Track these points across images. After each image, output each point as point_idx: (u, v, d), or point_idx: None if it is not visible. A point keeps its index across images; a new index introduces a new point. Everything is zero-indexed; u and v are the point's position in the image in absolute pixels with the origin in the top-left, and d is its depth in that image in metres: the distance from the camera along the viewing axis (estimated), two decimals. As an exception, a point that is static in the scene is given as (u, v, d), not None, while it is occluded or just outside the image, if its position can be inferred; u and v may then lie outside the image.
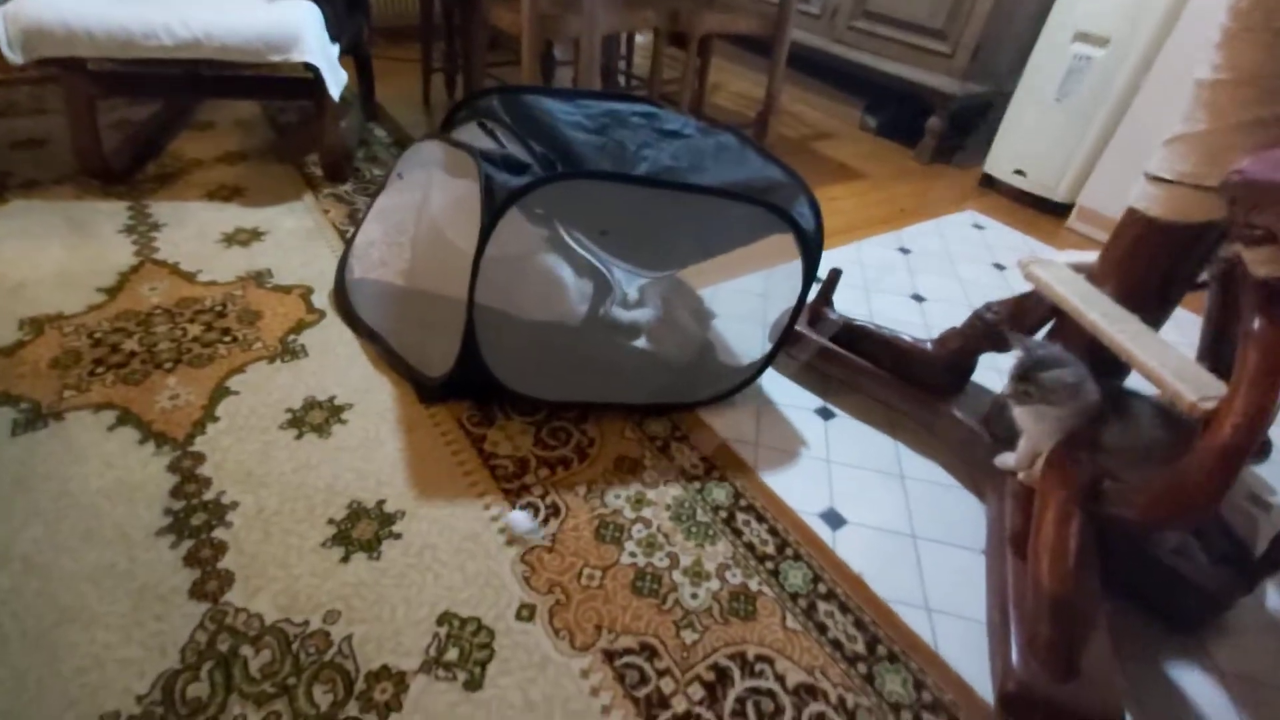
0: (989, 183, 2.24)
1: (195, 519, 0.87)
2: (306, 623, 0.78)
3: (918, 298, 1.59)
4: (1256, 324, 0.65)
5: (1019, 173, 2.12)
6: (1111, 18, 1.79)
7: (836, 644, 0.83)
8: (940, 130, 2.31)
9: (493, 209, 0.91)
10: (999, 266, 1.78)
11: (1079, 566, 0.77)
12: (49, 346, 1.10)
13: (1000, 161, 2.17)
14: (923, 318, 1.51)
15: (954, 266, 1.74)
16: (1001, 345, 1.02)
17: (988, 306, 1.03)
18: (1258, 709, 0.82)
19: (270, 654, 0.75)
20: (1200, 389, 0.69)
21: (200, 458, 0.95)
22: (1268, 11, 0.66)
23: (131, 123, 1.82)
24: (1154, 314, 0.83)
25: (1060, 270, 0.89)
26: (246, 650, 0.75)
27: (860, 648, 0.83)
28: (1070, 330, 0.86)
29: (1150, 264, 0.82)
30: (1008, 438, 0.98)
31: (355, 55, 2.03)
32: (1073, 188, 2.02)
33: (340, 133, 1.68)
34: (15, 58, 1.34)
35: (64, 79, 1.43)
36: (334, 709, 0.71)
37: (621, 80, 2.55)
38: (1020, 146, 2.10)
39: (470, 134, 1.20)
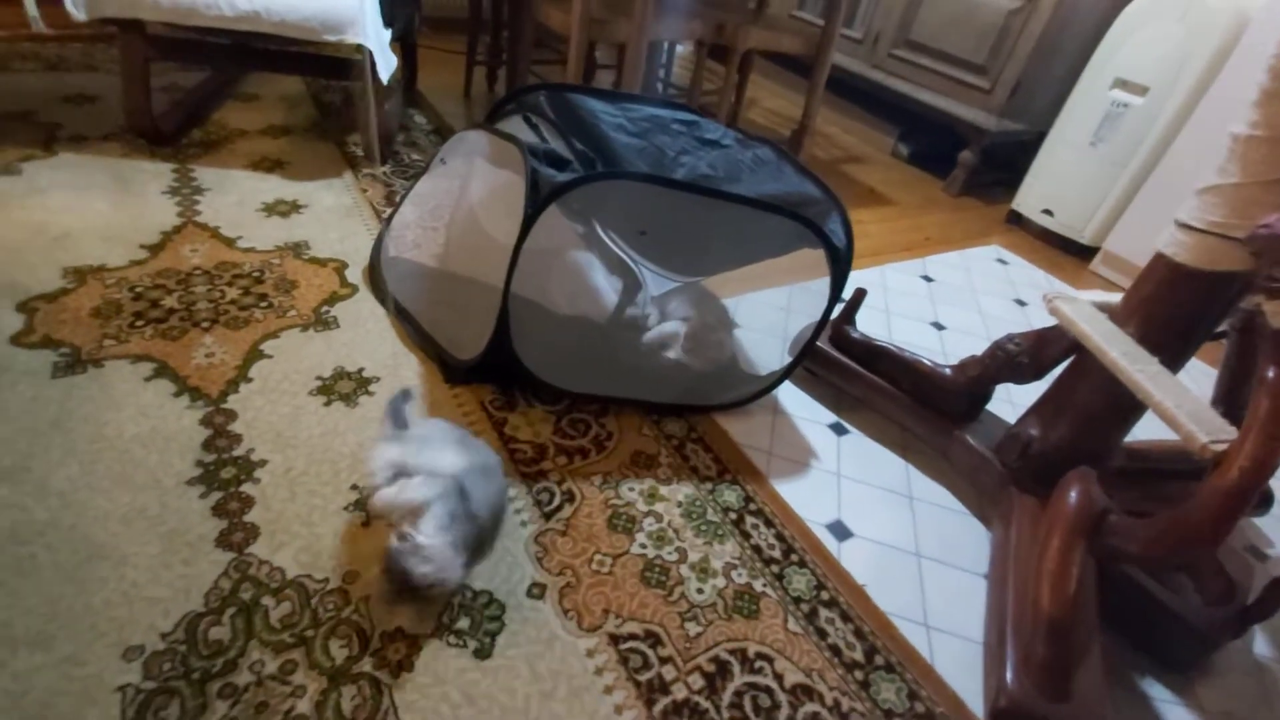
0: (1016, 219, 2.26)
1: (225, 473, 0.90)
2: (326, 580, 0.80)
3: (938, 325, 1.61)
4: (1271, 373, 0.67)
5: (1047, 212, 2.14)
6: (1152, 67, 1.82)
7: (835, 649, 0.85)
8: (972, 164, 2.34)
9: (536, 202, 0.94)
10: (1020, 302, 1.80)
11: (1079, 594, 0.78)
12: (90, 296, 1.14)
13: (1029, 199, 2.19)
14: (941, 345, 1.53)
15: (975, 298, 1.76)
16: (1019, 377, 1.04)
17: (1010, 338, 1.05)
18: (1244, 753, 0.83)
19: (290, 606, 0.77)
20: (1212, 431, 0.71)
21: (232, 415, 0.98)
22: (1308, 74, 0.68)
23: (181, 88, 1.87)
24: (1173, 357, 0.84)
25: (1084, 308, 0.91)
26: (268, 600, 0.77)
27: (859, 655, 0.85)
28: (1090, 367, 0.88)
29: (1174, 308, 0.84)
30: (1019, 467, 1.00)
31: (402, 43, 2.08)
32: (1100, 232, 2.03)
33: (384, 115, 1.72)
34: (79, 14, 1.39)
35: (121, 38, 1.48)
36: (349, 663, 0.73)
37: (660, 89, 2.59)
38: (1050, 186, 2.12)
39: (514, 127, 1.24)
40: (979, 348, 1.10)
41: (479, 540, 0.83)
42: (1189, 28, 1.73)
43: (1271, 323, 0.68)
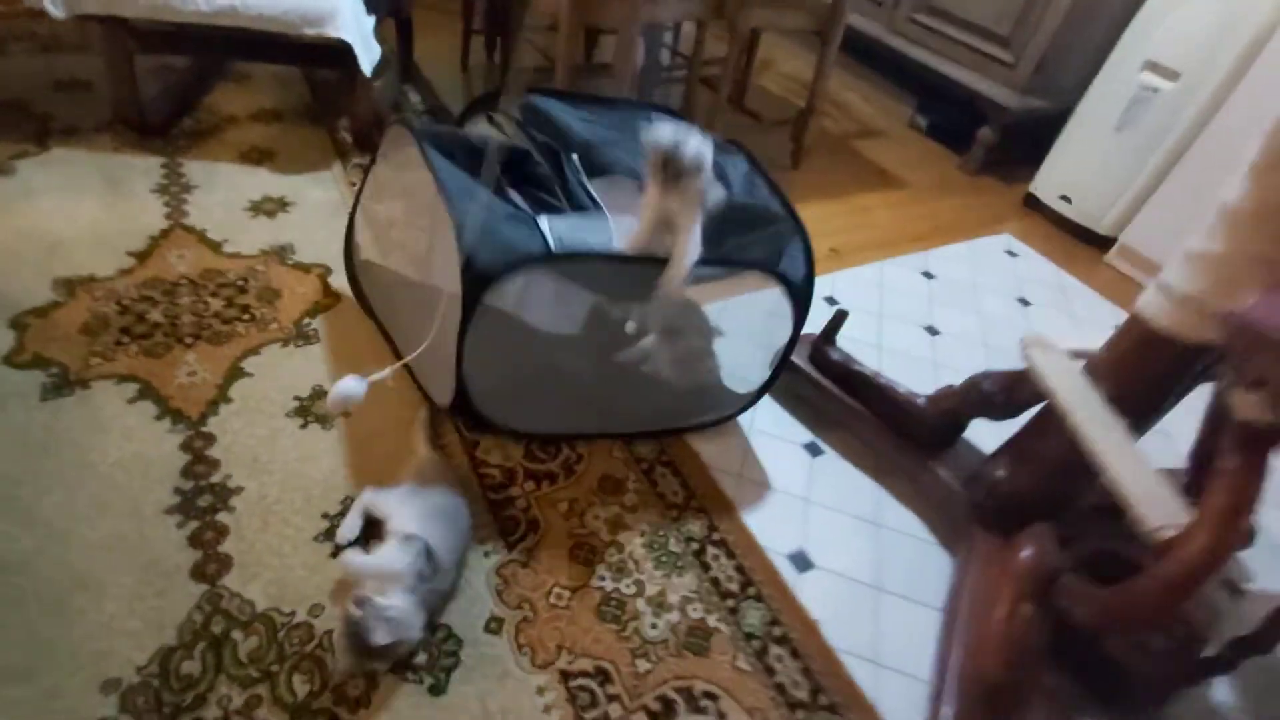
0: (1033, 203, 2.16)
1: (202, 500, 0.94)
2: (293, 614, 0.85)
3: (931, 330, 1.57)
4: (1230, 463, 0.65)
5: (1064, 199, 2.04)
6: (1186, 50, 1.68)
7: (781, 688, 0.88)
8: (991, 142, 2.22)
9: (469, 298, 0.88)
10: (1024, 301, 1.74)
11: (1024, 657, 0.79)
12: (80, 311, 1.16)
13: (1047, 184, 2.08)
14: (932, 352, 1.50)
15: (976, 298, 1.71)
16: (993, 415, 1.02)
17: (986, 375, 1.02)
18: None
19: (258, 640, 0.82)
20: (1164, 515, 0.69)
21: (211, 439, 1.02)
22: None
23: (171, 69, 1.84)
24: (1143, 419, 0.82)
25: (1058, 359, 0.88)
26: (237, 634, 0.82)
27: (804, 694, 0.88)
28: (1056, 419, 0.86)
29: (1147, 371, 0.81)
30: (984, 505, 1.00)
31: (395, 16, 2.01)
32: (1118, 223, 1.94)
33: (371, 101, 1.68)
34: (57, 12, 1.37)
35: (104, 33, 1.46)
36: (310, 698, 0.78)
37: (666, 55, 2.47)
38: (1070, 172, 2.01)
39: (475, 127, 1.21)
40: (972, 355, 1.08)
41: (442, 598, 0.86)
42: (1226, 12, 1.59)
43: (1238, 410, 0.65)
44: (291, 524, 0.94)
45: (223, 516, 0.93)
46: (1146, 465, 0.75)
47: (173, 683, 0.77)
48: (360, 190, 1.23)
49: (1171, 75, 1.73)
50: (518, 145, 1.15)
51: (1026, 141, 2.21)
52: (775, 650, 0.91)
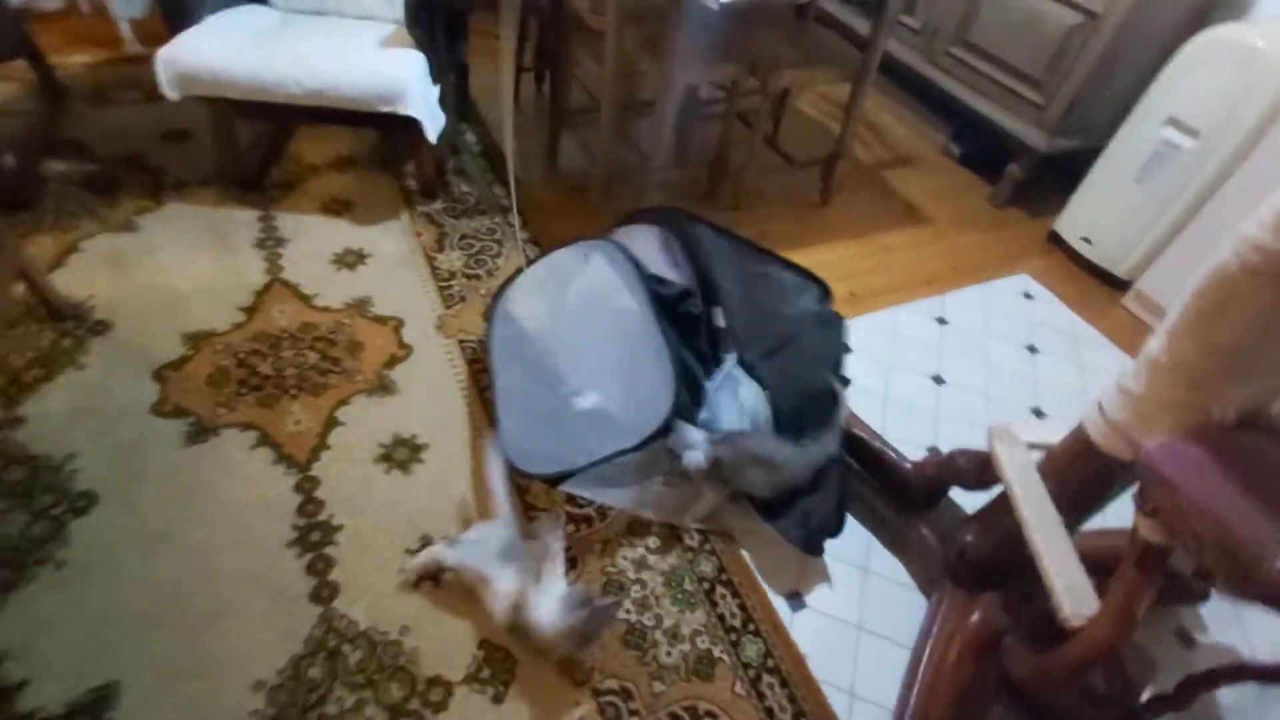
0: (1055, 239, 2.24)
1: (313, 536, 1.18)
2: (387, 633, 1.09)
3: (938, 379, 1.71)
4: (1129, 572, 0.81)
5: (1086, 240, 2.11)
6: (1206, 111, 1.73)
7: (770, 711, 1.08)
8: (1019, 178, 2.29)
9: (659, 433, 1.19)
10: (1032, 349, 1.85)
11: (966, 700, 0.98)
12: (205, 363, 1.41)
13: (1071, 224, 2.16)
14: (935, 402, 1.64)
15: (986, 345, 1.83)
16: (966, 486, 1.18)
17: (961, 453, 1.18)
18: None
19: (362, 654, 1.06)
20: (1077, 604, 0.86)
21: (316, 482, 1.26)
22: (1205, 326, 0.77)
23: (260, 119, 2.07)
24: (1078, 517, 0.98)
25: (1018, 453, 1.04)
26: (347, 648, 1.06)
27: (788, 718, 1.08)
28: (1006, 509, 1.02)
29: (1083, 476, 0.96)
30: (955, 565, 1.17)
31: (451, 58, 2.18)
32: (1137, 267, 2.01)
33: (435, 158, 1.88)
34: (172, 94, 1.60)
35: (210, 107, 1.68)
36: (403, 702, 1.02)
37: (703, 90, 2.59)
38: (1092, 215, 2.08)
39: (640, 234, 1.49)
40: (975, 408, 1.23)
41: None
42: (1246, 77, 1.64)
43: (1139, 529, 0.81)
44: (382, 557, 1.17)
45: (330, 550, 1.17)
46: (1074, 559, 0.91)
47: (302, 685, 1.02)
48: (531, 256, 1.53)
49: (1192, 133, 1.78)
50: (685, 287, 1.39)
51: (1057, 175, 2.27)
52: (767, 679, 1.12)
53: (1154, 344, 0.84)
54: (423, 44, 1.67)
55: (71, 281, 1.53)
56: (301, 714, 0.99)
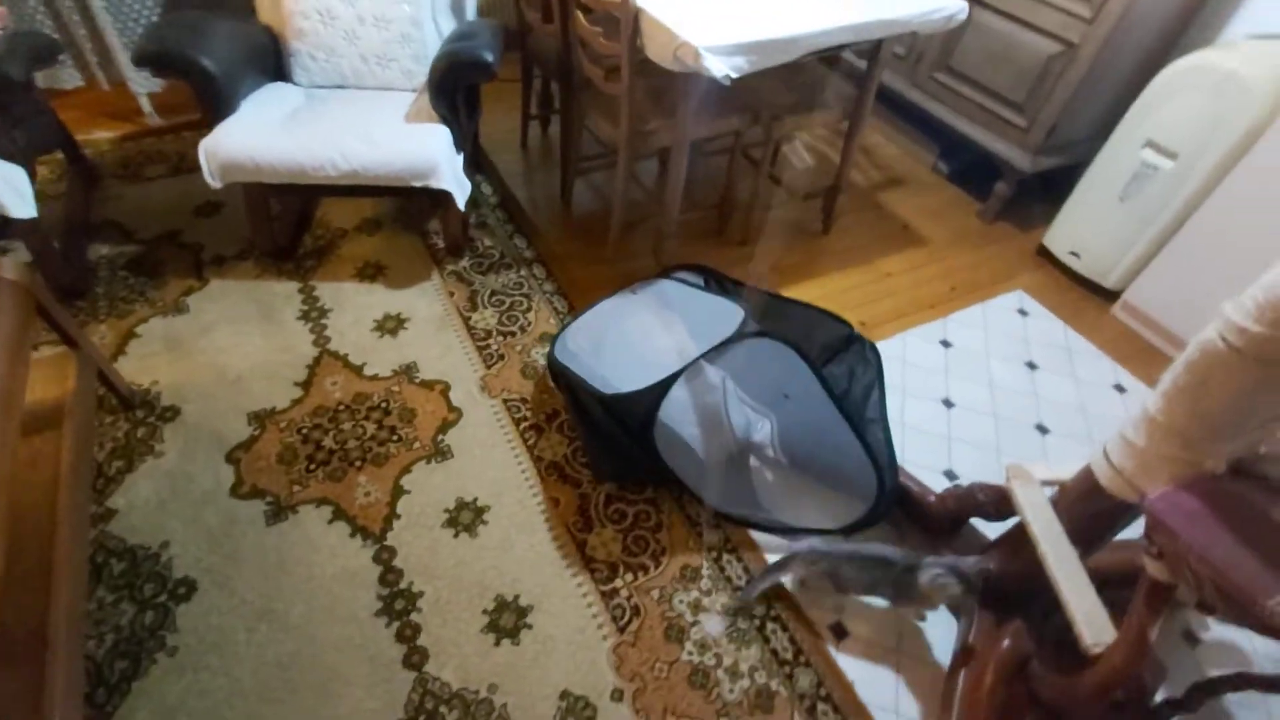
0: (1044, 253, 2.36)
1: (398, 604, 1.29)
2: (478, 691, 1.20)
3: (947, 403, 1.83)
4: (1139, 606, 0.94)
5: (1074, 254, 2.24)
6: (1183, 133, 1.86)
7: (827, 736, 1.21)
8: (1006, 195, 2.41)
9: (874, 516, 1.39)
10: (1031, 365, 1.98)
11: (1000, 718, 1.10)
12: (272, 442, 1.51)
13: (1059, 239, 2.28)
14: (947, 426, 1.77)
15: (988, 365, 1.95)
16: (986, 518, 1.31)
17: (980, 487, 1.31)
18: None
19: (458, 713, 1.17)
20: (1096, 633, 0.98)
21: (393, 551, 1.36)
22: (1194, 395, 0.89)
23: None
24: (1090, 546, 1.10)
25: (1034, 493, 1.16)
26: (443, 709, 1.17)
27: (843, 740, 1.21)
28: (1026, 538, 1.15)
29: (1093, 512, 1.08)
30: (980, 589, 1.29)
31: (471, 131, 2.27)
32: (1125, 278, 2.14)
33: (461, 218, 1.97)
34: (215, 183, 1.68)
35: (246, 190, 1.77)
36: (498, 754, 1.14)
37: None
38: (1079, 230, 2.21)
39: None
40: (983, 427, 1.35)
41: None
42: (1222, 102, 1.76)
43: (1148, 571, 0.93)
44: (462, 619, 1.28)
45: (414, 616, 1.28)
46: (1090, 590, 1.03)
47: (408, 745, 1.13)
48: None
49: (1170, 155, 1.91)
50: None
51: (1043, 190, 2.40)
52: (821, 707, 1.24)
53: (1152, 403, 0.96)
54: (447, 119, 1.76)
55: (135, 369, 1.62)
56: (412, 772, 1.10)
